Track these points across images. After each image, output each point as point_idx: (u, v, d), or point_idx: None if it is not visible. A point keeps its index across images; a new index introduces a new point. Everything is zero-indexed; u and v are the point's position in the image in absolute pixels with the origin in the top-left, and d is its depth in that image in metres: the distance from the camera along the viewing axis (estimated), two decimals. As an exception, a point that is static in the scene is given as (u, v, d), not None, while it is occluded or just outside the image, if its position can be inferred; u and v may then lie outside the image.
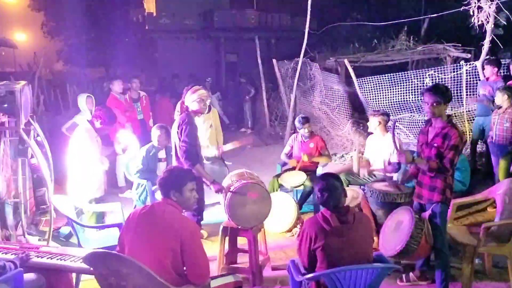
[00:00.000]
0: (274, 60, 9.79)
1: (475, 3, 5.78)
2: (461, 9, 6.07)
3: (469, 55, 10.72)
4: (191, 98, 4.11)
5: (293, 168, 5.74)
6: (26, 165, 3.86)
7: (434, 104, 3.42)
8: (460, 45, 10.85)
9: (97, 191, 4.34)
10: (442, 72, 7.02)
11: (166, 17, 22.33)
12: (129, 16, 23.88)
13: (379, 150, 5.17)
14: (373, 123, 5.14)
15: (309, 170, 5.67)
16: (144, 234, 2.62)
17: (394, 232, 3.51)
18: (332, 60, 11.00)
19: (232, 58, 22.39)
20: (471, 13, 5.89)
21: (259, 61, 10.70)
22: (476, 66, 6.35)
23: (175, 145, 4.11)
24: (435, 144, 3.47)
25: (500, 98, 5.25)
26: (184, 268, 2.62)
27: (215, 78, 19.34)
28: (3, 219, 3.64)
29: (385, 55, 11.28)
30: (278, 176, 5.71)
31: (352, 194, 4.97)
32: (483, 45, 6.03)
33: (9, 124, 3.65)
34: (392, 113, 7.23)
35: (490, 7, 5.70)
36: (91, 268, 2.62)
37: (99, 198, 4.38)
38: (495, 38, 5.97)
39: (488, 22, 5.83)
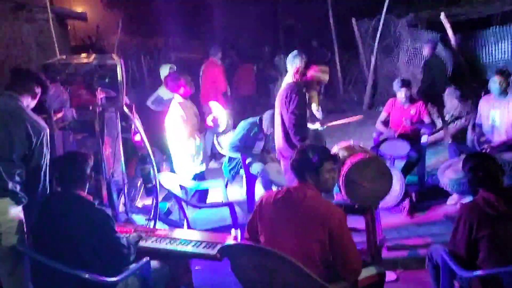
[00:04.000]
0: (353, 19, 9.09)
1: None
2: None
3: None
4: (314, 73, 3.74)
5: (393, 137, 5.24)
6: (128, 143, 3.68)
7: None
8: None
9: (201, 166, 4.12)
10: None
11: (222, -19, 21.72)
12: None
13: (498, 113, 4.56)
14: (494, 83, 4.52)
15: (412, 139, 5.16)
16: (284, 222, 2.30)
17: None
18: (412, 16, 10.09)
19: (289, 22, 21.60)
20: None
21: (331, 21, 10.02)
22: None
23: (281, 115, 3.75)
24: None
25: None
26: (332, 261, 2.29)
27: (273, 43, 18.74)
28: (111, 198, 3.49)
29: (471, 7, 10.19)
30: (377, 145, 5.25)
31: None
32: None
33: (111, 100, 3.43)
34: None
35: None
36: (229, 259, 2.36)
37: (200, 174, 4.16)
38: None
39: None
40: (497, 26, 6.81)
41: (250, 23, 20.08)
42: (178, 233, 3.12)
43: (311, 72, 3.71)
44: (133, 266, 2.49)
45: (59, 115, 3.50)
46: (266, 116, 4.84)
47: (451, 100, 7.63)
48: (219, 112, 4.32)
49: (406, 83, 5.24)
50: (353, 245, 2.31)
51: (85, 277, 2.27)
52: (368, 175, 3.43)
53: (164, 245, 2.89)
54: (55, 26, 8.19)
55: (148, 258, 2.57)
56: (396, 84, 5.27)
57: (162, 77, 5.81)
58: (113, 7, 23.18)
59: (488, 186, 2.45)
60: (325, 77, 3.78)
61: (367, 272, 2.51)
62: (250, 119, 4.94)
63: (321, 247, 2.22)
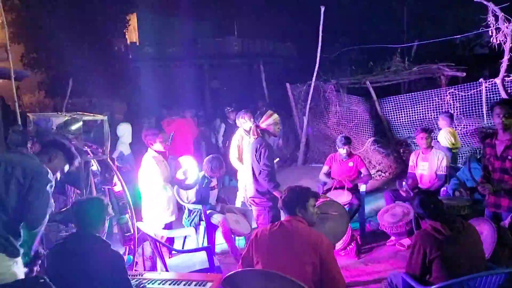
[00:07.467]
0: (287, 84, 10.05)
1: (492, 24, 6.23)
2: (480, 31, 6.52)
3: (464, 74, 11.29)
4: (267, 122, 4.25)
5: (337, 187, 5.87)
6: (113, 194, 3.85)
7: (506, 115, 3.66)
8: (453, 64, 11.41)
9: (172, 216, 4.36)
10: (462, 90, 7.43)
11: (149, 46, 22.40)
12: (112, 46, 23.80)
13: (426, 164, 5.40)
14: (421, 139, 5.41)
15: (353, 189, 5.82)
16: (281, 250, 2.68)
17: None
18: (333, 83, 11.36)
19: (215, 84, 22.66)
20: (490, 34, 6.33)
21: (264, 85, 10.91)
22: (496, 83, 6.79)
23: (252, 167, 4.19)
24: (509, 157, 3.69)
25: None
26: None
27: (201, 104, 19.46)
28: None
29: (383, 76, 11.74)
30: (323, 194, 5.81)
31: (403, 210, 5.15)
32: (501, 63, 6.45)
33: (95, 153, 3.65)
34: (412, 131, 7.54)
35: (508, 28, 6.16)
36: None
37: (169, 224, 4.38)
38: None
39: (505, 42, 6.27)
40: (409, 93, 8.05)
41: (179, 85, 20.69)
42: (164, 275, 3.31)
43: (265, 124, 4.26)
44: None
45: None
46: (204, 163, 5.24)
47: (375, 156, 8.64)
48: (189, 166, 4.66)
49: (348, 141, 5.98)
50: (339, 268, 2.73)
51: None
52: (331, 215, 3.94)
53: (157, 286, 3.08)
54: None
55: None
56: (339, 142, 5.97)
57: (120, 134, 6.03)
58: (34, 67, 22.54)
59: (436, 216, 3.02)
60: (275, 117, 4.32)
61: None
62: (200, 174, 5.31)
63: (313, 269, 2.62)
